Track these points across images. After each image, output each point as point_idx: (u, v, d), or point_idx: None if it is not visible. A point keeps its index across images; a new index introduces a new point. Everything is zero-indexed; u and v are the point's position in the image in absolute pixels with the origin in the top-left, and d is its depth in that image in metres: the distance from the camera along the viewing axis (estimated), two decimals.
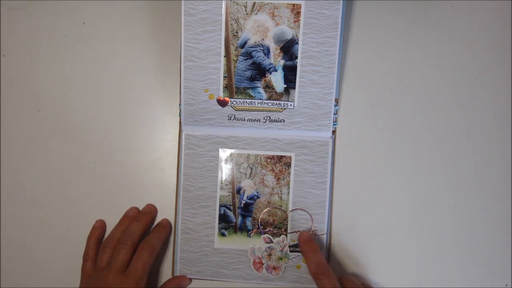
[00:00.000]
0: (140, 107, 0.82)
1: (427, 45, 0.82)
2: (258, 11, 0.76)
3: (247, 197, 0.80)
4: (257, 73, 0.77)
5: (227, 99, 0.78)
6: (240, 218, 0.80)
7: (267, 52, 0.77)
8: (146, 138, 0.82)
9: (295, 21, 0.76)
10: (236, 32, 0.76)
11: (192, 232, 0.80)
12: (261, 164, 0.79)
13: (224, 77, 0.77)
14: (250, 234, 0.80)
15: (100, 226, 0.81)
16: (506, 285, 0.82)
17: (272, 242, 0.79)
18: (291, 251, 0.79)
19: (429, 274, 0.81)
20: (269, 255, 0.79)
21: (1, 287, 0.82)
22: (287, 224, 0.79)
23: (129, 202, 0.82)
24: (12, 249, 0.82)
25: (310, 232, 0.79)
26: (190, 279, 0.80)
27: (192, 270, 0.80)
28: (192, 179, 0.79)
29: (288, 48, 0.77)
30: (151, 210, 0.81)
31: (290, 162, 0.79)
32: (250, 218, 0.80)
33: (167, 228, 0.80)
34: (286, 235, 0.79)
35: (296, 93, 0.78)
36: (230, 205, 0.80)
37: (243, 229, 0.80)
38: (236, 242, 0.80)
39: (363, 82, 0.81)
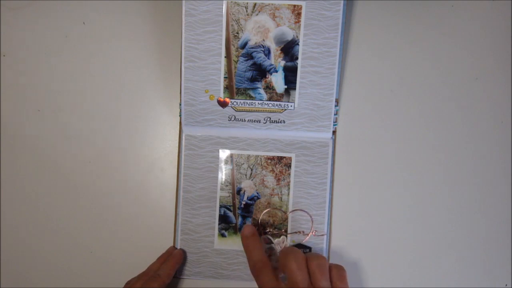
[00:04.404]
0: (140, 108, 0.82)
1: (427, 45, 0.82)
2: (259, 12, 0.76)
3: (247, 198, 0.80)
4: (257, 74, 0.77)
5: (227, 99, 0.78)
6: (240, 219, 0.80)
7: (267, 53, 0.77)
8: (146, 138, 0.82)
9: (295, 22, 0.76)
10: (237, 33, 0.76)
11: (192, 233, 0.80)
12: (261, 165, 0.79)
13: (224, 77, 0.77)
14: None
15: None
16: (506, 285, 0.82)
17: (272, 242, 0.80)
18: None
19: (429, 274, 0.81)
20: (269, 255, 0.79)
21: (1, 287, 0.82)
22: (287, 225, 0.80)
23: (129, 202, 0.82)
24: (12, 249, 0.82)
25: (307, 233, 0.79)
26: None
27: (192, 271, 0.80)
28: (192, 179, 0.79)
29: (289, 49, 0.77)
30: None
31: (290, 163, 0.79)
32: (250, 219, 0.80)
33: (178, 260, 0.79)
34: (286, 236, 0.79)
35: (296, 94, 0.78)
36: (230, 206, 0.80)
37: None
38: (236, 243, 0.80)
39: (363, 82, 0.81)
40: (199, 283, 0.81)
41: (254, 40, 0.77)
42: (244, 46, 0.77)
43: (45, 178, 0.82)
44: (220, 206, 0.80)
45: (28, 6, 0.82)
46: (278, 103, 0.78)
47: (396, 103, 0.81)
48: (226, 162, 0.79)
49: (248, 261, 0.73)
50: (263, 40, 0.77)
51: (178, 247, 0.80)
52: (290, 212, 0.80)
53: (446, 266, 0.81)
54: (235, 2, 0.75)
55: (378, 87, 0.82)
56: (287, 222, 0.80)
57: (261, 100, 0.78)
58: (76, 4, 0.82)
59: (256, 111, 0.78)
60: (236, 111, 0.78)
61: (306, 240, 0.80)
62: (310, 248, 0.79)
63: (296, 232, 0.80)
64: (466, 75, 0.82)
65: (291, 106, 0.78)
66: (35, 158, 0.82)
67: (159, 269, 0.76)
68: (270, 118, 0.78)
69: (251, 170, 0.79)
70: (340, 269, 0.70)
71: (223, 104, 0.78)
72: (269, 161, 0.79)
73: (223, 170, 0.80)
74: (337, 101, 0.79)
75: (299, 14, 0.75)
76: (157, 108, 0.82)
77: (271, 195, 0.80)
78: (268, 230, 0.80)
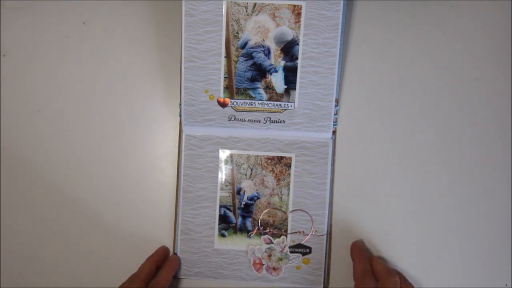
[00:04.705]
0: (140, 108, 0.82)
1: (427, 45, 0.82)
2: (259, 12, 0.76)
3: (247, 197, 0.80)
4: (257, 74, 0.77)
5: (227, 100, 0.78)
6: (240, 219, 0.80)
7: (267, 53, 0.77)
8: (146, 138, 0.82)
9: (295, 22, 0.76)
10: (237, 33, 0.76)
11: (192, 233, 0.80)
12: (261, 165, 0.79)
13: (224, 77, 0.77)
14: (250, 235, 0.80)
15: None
16: (506, 285, 0.82)
17: (272, 243, 0.79)
18: (291, 252, 0.79)
19: (429, 274, 0.81)
20: (269, 256, 0.79)
21: (1, 287, 0.83)
22: (287, 225, 0.80)
23: (129, 202, 0.82)
24: (12, 250, 0.82)
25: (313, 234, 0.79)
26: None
27: (192, 271, 0.80)
28: (192, 179, 0.79)
29: (289, 49, 0.77)
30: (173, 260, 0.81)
31: (290, 163, 0.79)
32: (250, 219, 0.80)
33: (175, 265, 0.80)
34: (286, 236, 0.79)
35: (296, 94, 0.78)
36: (230, 206, 0.80)
37: (243, 230, 0.80)
38: (236, 243, 0.80)
39: (363, 82, 0.81)
40: (199, 283, 0.81)
41: (254, 40, 0.77)
42: (244, 46, 0.77)
43: (44, 178, 0.82)
44: (220, 206, 0.80)
45: (28, 6, 0.82)
46: (278, 103, 0.78)
47: (396, 103, 0.81)
48: (226, 162, 0.79)
49: (355, 270, 0.77)
50: (263, 40, 0.77)
51: (178, 247, 0.80)
52: (290, 212, 0.80)
53: (446, 266, 0.81)
54: (235, 2, 0.75)
55: (378, 87, 0.82)
56: (287, 222, 0.80)
57: (261, 100, 0.78)
58: (76, 4, 0.82)
59: (256, 111, 0.78)
60: (236, 111, 0.78)
61: (306, 240, 0.80)
62: (310, 248, 0.79)
63: (296, 232, 0.80)
64: (466, 75, 0.82)
65: (291, 106, 0.78)
66: (35, 158, 0.82)
67: (157, 276, 0.77)
68: (270, 118, 0.78)
69: (251, 170, 0.80)
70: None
71: (223, 104, 0.78)
72: (269, 161, 0.79)
73: (223, 170, 0.80)
74: (337, 101, 0.79)
75: (299, 14, 0.75)
76: (157, 108, 0.82)
77: (271, 195, 0.80)
78: (268, 230, 0.80)
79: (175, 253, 0.81)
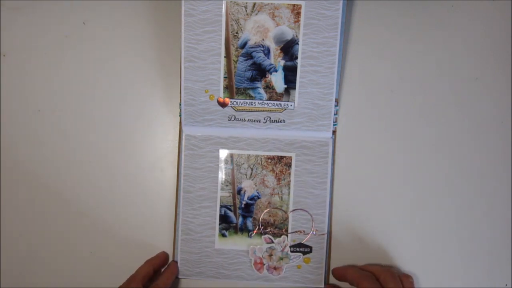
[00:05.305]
0: (140, 108, 0.82)
1: (427, 45, 0.82)
2: (259, 11, 0.76)
3: (248, 197, 0.80)
4: (257, 74, 0.77)
5: (227, 99, 0.78)
6: (240, 219, 0.80)
7: (267, 52, 0.77)
8: (146, 138, 0.82)
9: (295, 22, 0.76)
10: (237, 33, 0.76)
11: (192, 233, 0.80)
12: (261, 164, 0.79)
13: (224, 77, 0.77)
14: (251, 234, 0.80)
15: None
16: (506, 285, 0.82)
17: (273, 242, 0.79)
18: (292, 251, 0.79)
19: (429, 275, 0.81)
20: (270, 255, 0.79)
21: (1, 287, 0.82)
22: (287, 224, 0.80)
23: (129, 202, 0.82)
24: (12, 249, 0.82)
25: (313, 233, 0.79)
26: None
27: (193, 271, 0.80)
28: (192, 179, 0.79)
29: (288, 49, 0.77)
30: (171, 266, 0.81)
31: (290, 163, 0.79)
32: (250, 219, 0.80)
33: (174, 272, 0.80)
34: (287, 235, 0.79)
35: (296, 93, 0.78)
36: (230, 206, 0.80)
37: (243, 229, 0.80)
38: (237, 243, 0.80)
39: (363, 82, 0.81)
40: (200, 283, 0.81)
41: (253, 39, 0.77)
42: (243, 45, 0.77)
43: (44, 178, 0.82)
44: (221, 206, 0.80)
45: (28, 6, 0.82)
46: (278, 102, 0.78)
47: (396, 103, 0.81)
48: (226, 162, 0.79)
49: (354, 277, 0.76)
50: (263, 39, 0.77)
51: (179, 247, 0.80)
52: (291, 211, 0.79)
53: (446, 266, 0.81)
54: (235, 2, 0.75)
55: (378, 87, 0.82)
56: (288, 222, 0.80)
57: (261, 99, 0.78)
58: (76, 4, 0.82)
59: (256, 110, 0.78)
60: (236, 111, 0.78)
61: (306, 240, 0.79)
62: (310, 248, 0.79)
63: (296, 232, 0.79)
64: (466, 75, 0.82)
65: (291, 105, 0.78)
66: (35, 157, 0.82)
67: (157, 279, 0.77)
68: (270, 118, 0.78)
69: (251, 169, 0.79)
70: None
71: (223, 104, 0.78)
72: (269, 160, 0.79)
73: (223, 170, 0.79)
74: (337, 101, 0.79)
75: (298, 13, 0.75)
76: (157, 108, 0.82)
77: (272, 194, 0.80)
78: (268, 229, 0.80)
79: (174, 261, 0.81)
